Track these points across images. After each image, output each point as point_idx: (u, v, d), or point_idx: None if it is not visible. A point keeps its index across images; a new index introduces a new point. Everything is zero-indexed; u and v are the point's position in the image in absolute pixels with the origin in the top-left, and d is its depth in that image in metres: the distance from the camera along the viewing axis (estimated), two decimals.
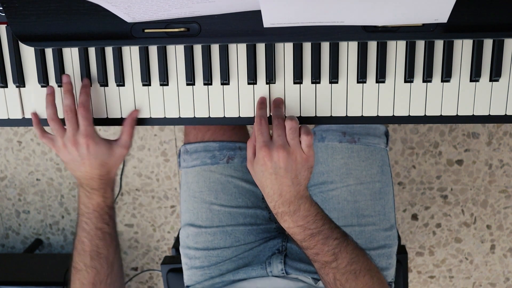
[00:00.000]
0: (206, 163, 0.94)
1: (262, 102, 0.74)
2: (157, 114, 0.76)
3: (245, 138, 0.99)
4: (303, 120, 0.75)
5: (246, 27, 0.68)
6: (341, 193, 0.89)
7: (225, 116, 0.76)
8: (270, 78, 0.73)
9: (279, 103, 0.73)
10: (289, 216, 0.70)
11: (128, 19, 0.68)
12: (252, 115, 0.76)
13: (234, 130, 0.97)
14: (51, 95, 0.75)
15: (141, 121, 0.77)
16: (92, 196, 0.77)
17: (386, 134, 0.94)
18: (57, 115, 0.75)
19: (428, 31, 0.67)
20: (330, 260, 0.70)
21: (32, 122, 0.77)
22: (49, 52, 0.75)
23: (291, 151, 0.67)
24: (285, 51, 0.73)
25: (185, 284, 0.96)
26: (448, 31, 0.67)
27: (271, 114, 0.74)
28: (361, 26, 0.67)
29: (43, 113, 0.77)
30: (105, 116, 0.77)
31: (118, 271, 0.80)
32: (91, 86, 0.76)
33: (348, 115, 0.74)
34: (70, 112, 0.74)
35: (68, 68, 0.75)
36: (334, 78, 0.72)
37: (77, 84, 0.76)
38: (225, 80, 0.74)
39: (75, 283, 0.78)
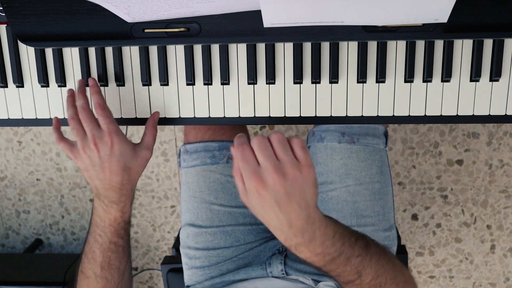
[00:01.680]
0: (206, 163, 0.94)
1: (239, 136, 0.60)
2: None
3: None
4: (303, 120, 0.75)
5: (246, 27, 0.68)
6: (340, 194, 0.89)
7: (225, 116, 0.76)
8: (270, 78, 0.73)
9: (239, 136, 0.60)
10: (305, 247, 0.59)
11: (128, 19, 0.68)
12: (252, 115, 0.76)
13: (234, 129, 0.97)
14: (72, 97, 0.72)
15: (141, 121, 0.77)
16: (109, 210, 0.72)
17: (386, 135, 0.94)
18: (78, 115, 0.71)
19: (428, 31, 0.67)
20: (353, 278, 0.63)
21: (52, 125, 0.74)
22: (49, 52, 0.75)
23: (286, 170, 0.56)
24: (285, 51, 0.73)
25: (186, 284, 0.96)
26: (448, 31, 0.67)
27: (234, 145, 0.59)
28: (361, 26, 0.67)
29: (43, 113, 0.77)
30: None
31: (127, 279, 0.78)
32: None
33: (348, 115, 0.74)
34: (85, 111, 0.70)
35: (68, 68, 0.75)
36: (334, 78, 0.72)
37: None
38: (225, 80, 0.74)
39: (82, 287, 0.75)
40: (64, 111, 0.77)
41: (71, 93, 0.73)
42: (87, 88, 0.74)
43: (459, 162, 1.66)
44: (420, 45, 0.71)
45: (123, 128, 0.78)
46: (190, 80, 0.74)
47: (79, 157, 0.71)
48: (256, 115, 0.75)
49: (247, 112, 0.75)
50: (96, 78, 0.74)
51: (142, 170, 0.74)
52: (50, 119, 0.78)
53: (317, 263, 0.62)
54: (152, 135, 0.74)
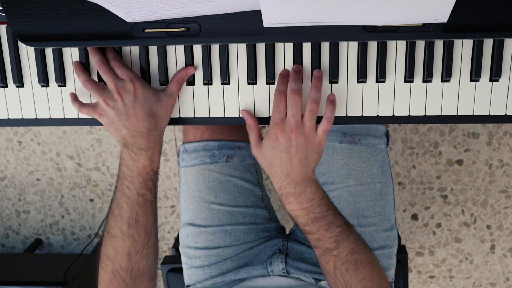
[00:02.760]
0: (205, 162, 0.94)
1: (284, 75, 0.71)
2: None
3: (244, 137, 0.99)
4: None
5: (246, 27, 0.68)
6: (342, 194, 0.89)
7: (225, 116, 0.76)
8: (270, 78, 0.73)
9: (297, 73, 0.70)
10: (294, 198, 0.69)
11: (128, 19, 0.68)
12: (252, 115, 0.75)
13: (233, 129, 0.97)
14: (79, 65, 0.73)
15: None
16: (138, 158, 0.71)
17: (387, 135, 0.94)
18: (91, 78, 0.72)
19: (428, 31, 0.67)
20: (331, 247, 0.69)
21: (71, 100, 0.74)
22: (49, 52, 0.75)
23: (305, 131, 0.68)
24: (285, 51, 0.73)
25: (186, 284, 0.96)
26: (448, 31, 0.67)
27: (288, 86, 0.70)
28: (361, 26, 0.67)
29: (43, 113, 0.77)
30: None
31: (154, 243, 0.75)
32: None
33: (348, 115, 0.74)
34: (103, 64, 0.70)
35: (68, 68, 0.75)
36: (334, 78, 0.72)
37: (78, 84, 0.76)
38: (225, 80, 0.74)
39: (108, 249, 0.73)
40: (64, 111, 0.77)
41: (78, 63, 0.74)
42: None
43: (459, 162, 1.66)
44: (420, 45, 0.71)
45: None
46: (190, 80, 0.74)
47: (104, 112, 0.71)
48: (256, 115, 0.75)
49: None
50: (96, 79, 0.74)
51: (168, 117, 0.74)
52: (50, 119, 0.78)
53: (301, 219, 0.70)
54: (177, 83, 0.73)
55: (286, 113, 0.69)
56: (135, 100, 0.69)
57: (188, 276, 0.95)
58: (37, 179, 1.82)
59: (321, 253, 0.71)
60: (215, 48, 0.73)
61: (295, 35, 0.68)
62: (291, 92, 0.69)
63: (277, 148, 0.68)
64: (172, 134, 1.71)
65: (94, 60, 0.72)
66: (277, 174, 0.70)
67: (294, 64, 0.72)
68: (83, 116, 0.76)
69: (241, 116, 0.74)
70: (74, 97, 0.75)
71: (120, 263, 0.72)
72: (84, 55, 0.74)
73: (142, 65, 0.74)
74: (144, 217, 0.72)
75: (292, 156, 0.68)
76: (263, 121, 0.75)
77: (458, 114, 0.73)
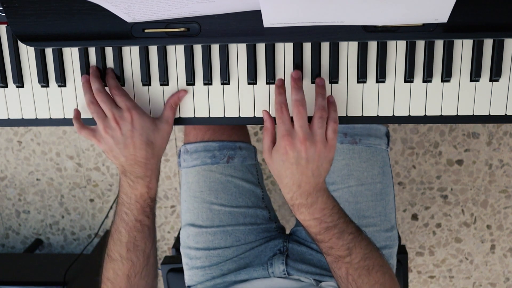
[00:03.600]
0: (206, 163, 0.94)
1: (280, 85, 0.70)
2: (157, 114, 0.76)
3: (245, 137, 0.99)
4: None
5: (246, 27, 0.68)
6: (342, 194, 0.89)
7: (225, 116, 0.76)
8: (270, 78, 0.73)
9: (297, 81, 0.69)
10: (306, 208, 0.69)
11: (128, 19, 0.68)
12: (253, 115, 0.75)
13: (234, 129, 0.97)
14: (87, 83, 0.73)
15: None
16: (136, 186, 0.73)
17: (387, 135, 0.94)
18: (96, 99, 0.72)
19: (428, 31, 0.67)
20: (344, 254, 0.69)
21: (73, 117, 0.75)
22: (49, 52, 0.75)
23: (315, 141, 0.66)
24: (285, 51, 0.73)
25: (186, 284, 0.96)
26: (448, 31, 0.67)
27: (291, 97, 0.70)
28: (361, 26, 0.67)
29: (43, 113, 0.77)
30: None
31: (153, 264, 0.78)
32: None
33: (348, 115, 0.74)
34: (101, 93, 0.71)
35: (68, 68, 0.75)
36: (334, 78, 0.72)
37: (78, 84, 0.76)
38: (225, 80, 0.74)
39: (108, 271, 0.75)
40: (65, 111, 0.77)
41: (87, 79, 0.74)
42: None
43: (459, 162, 1.66)
44: (420, 45, 0.71)
45: None
46: (190, 80, 0.74)
47: (102, 139, 0.71)
48: (256, 115, 0.75)
49: (247, 112, 0.75)
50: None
51: (165, 144, 0.75)
52: (50, 119, 0.78)
53: (313, 228, 0.70)
54: (171, 109, 0.74)
55: (292, 123, 0.67)
56: (133, 130, 0.70)
57: (189, 276, 0.95)
58: (37, 179, 1.82)
59: (333, 260, 0.70)
60: (215, 48, 0.73)
61: (295, 35, 0.68)
62: (295, 103, 0.67)
63: (287, 160, 0.66)
64: (172, 134, 1.71)
65: (93, 88, 0.72)
66: (288, 186, 0.68)
67: (294, 64, 0.72)
68: (83, 116, 0.76)
69: (262, 115, 0.73)
70: (77, 115, 0.75)
71: (120, 285, 0.74)
72: (84, 55, 0.74)
73: (142, 65, 0.74)
74: (142, 241, 0.75)
75: (304, 168, 0.66)
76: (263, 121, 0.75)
77: (458, 114, 0.73)
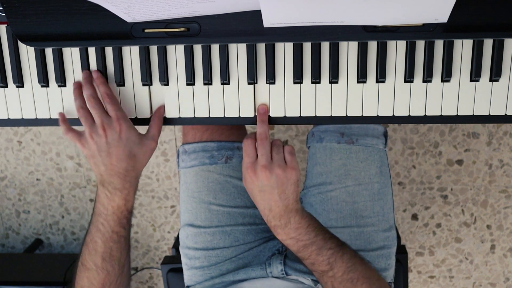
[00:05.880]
0: (205, 163, 0.94)
1: (249, 135, 0.75)
2: None
3: (243, 138, 0.99)
4: (303, 120, 0.75)
5: (246, 27, 0.68)
6: (340, 194, 0.89)
7: (225, 116, 0.76)
8: (270, 78, 0.73)
9: (263, 116, 0.74)
10: (281, 229, 0.73)
11: (128, 19, 0.68)
12: (253, 115, 0.76)
13: (232, 130, 0.97)
14: (79, 89, 0.74)
15: (142, 121, 0.77)
16: (113, 198, 0.73)
17: (385, 135, 0.94)
18: (86, 105, 0.73)
19: (428, 31, 0.67)
20: (326, 269, 0.72)
21: (59, 119, 0.75)
22: (49, 52, 0.75)
23: (273, 168, 0.70)
24: (285, 51, 0.73)
25: (186, 284, 0.96)
26: (448, 31, 0.67)
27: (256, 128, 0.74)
28: (361, 26, 0.67)
29: (43, 113, 0.77)
30: None
31: (127, 273, 0.79)
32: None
33: (348, 115, 0.74)
34: (93, 99, 0.72)
35: (68, 68, 0.75)
36: (334, 78, 0.72)
37: None
38: (225, 80, 0.74)
39: (82, 280, 0.75)
40: (65, 111, 0.77)
41: (78, 85, 0.74)
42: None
43: (459, 162, 1.66)
44: (420, 45, 0.71)
45: None
46: (190, 80, 0.74)
47: (87, 144, 0.72)
48: (256, 115, 0.75)
49: (247, 112, 0.75)
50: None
51: (146, 160, 0.76)
52: (50, 119, 0.78)
53: (292, 247, 0.74)
54: (157, 126, 0.76)
55: (257, 156, 0.72)
56: (119, 140, 0.71)
57: (188, 276, 0.95)
58: (37, 179, 1.82)
59: (319, 275, 0.74)
60: (215, 48, 0.73)
61: (295, 35, 0.68)
62: (259, 136, 0.72)
63: (254, 188, 0.72)
64: (172, 134, 1.71)
65: (86, 94, 0.73)
66: (261, 210, 0.73)
67: (294, 63, 0.72)
68: (71, 116, 0.76)
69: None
70: (63, 117, 0.76)
71: None
72: (84, 56, 0.74)
73: (142, 65, 0.74)
74: (118, 251, 0.75)
75: (270, 194, 0.71)
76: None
77: (458, 114, 0.73)
